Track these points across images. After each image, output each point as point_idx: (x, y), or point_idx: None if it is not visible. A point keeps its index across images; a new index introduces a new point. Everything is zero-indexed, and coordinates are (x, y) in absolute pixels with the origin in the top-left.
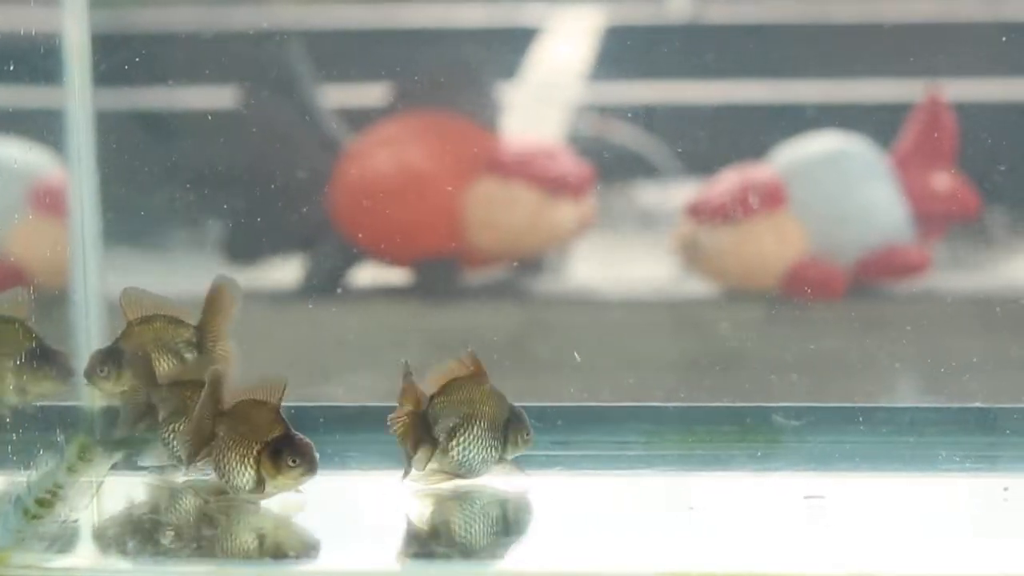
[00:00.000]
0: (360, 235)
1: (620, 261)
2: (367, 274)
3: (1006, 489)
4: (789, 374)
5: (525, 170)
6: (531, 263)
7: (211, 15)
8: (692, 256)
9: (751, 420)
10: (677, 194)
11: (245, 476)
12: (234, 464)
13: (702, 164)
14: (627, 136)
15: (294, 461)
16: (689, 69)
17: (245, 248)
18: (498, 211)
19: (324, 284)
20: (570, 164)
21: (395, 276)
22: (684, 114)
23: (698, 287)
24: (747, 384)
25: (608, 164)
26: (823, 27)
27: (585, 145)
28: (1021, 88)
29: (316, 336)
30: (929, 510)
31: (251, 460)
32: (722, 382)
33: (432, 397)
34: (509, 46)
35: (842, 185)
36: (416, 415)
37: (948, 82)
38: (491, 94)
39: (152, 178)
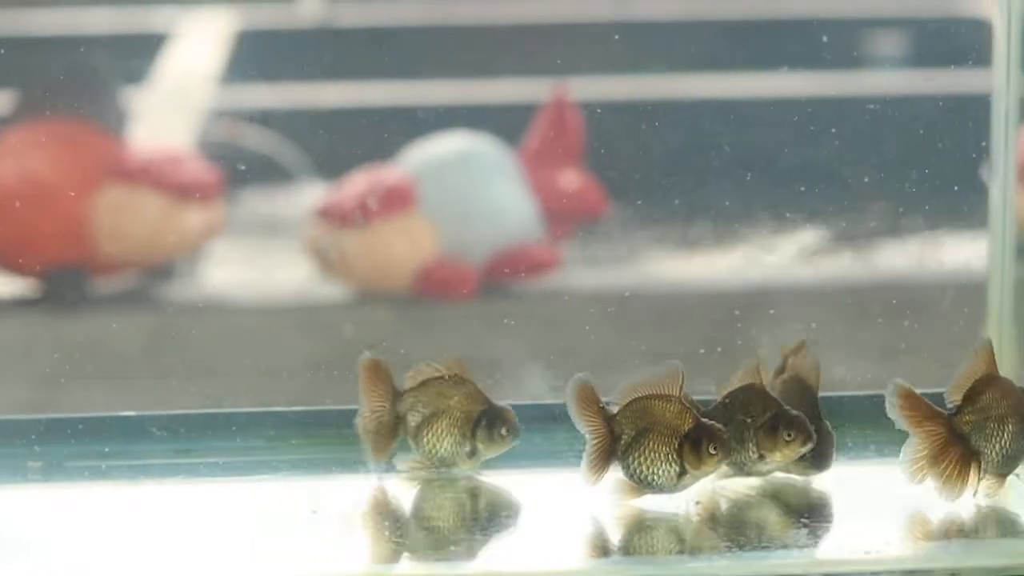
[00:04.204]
0: None
1: (252, 266)
2: None
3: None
4: None
5: (151, 176)
6: (161, 270)
7: None
8: (323, 259)
9: None
10: (308, 198)
11: None
12: None
13: (332, 167)
14: (258, 140)
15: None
16: (320, 72)
17: None
18: (125, 218)
19: None
20: (198, 169)
21: (22, 286)
22: (315, 117)
23: (331, 291)
24: None
25: (238, 169)
26: (450, 29)
27: (215, 150)
28: (644, 86)
29: None
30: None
31: None
32: (350, 385)
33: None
34: (137, 52)
35: (470, 185)
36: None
37: (574, 81)
38: (118, 101)
39: None
